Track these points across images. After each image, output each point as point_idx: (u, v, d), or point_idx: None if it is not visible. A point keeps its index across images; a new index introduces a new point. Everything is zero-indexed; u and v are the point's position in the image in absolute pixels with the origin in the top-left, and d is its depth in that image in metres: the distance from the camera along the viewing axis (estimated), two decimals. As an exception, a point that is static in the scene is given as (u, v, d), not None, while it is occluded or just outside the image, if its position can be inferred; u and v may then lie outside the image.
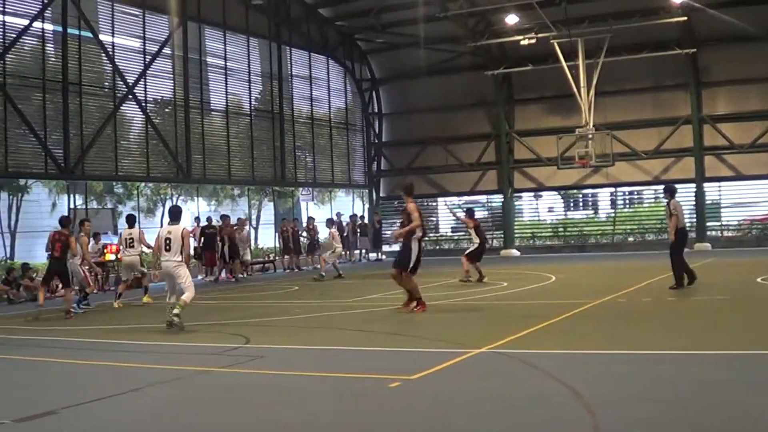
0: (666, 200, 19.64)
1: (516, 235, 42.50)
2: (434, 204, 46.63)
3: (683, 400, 8.49)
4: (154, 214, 36.96)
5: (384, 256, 41.86)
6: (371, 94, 44.88)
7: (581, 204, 46.70)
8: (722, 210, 39.46)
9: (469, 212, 26.47)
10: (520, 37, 35.91)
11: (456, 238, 44.94)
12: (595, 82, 35.39)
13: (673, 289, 18.63)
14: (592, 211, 45.98)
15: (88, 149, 29.75)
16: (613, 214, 42.81)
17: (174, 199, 37.12)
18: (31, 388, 10.57)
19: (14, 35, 27.66)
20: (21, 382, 11.07)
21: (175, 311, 15.06)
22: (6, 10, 27.59)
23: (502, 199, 41.70)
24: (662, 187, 20.58)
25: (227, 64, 36.29)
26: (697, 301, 17.41)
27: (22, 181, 29.81)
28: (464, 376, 10.29)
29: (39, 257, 28.36)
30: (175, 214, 16.51)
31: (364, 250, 42.28)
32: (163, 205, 37.14)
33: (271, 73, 38.54)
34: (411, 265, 16.98)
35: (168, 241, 15.64)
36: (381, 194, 45.52)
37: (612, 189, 42.23)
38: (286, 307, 19.74)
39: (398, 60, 43.18)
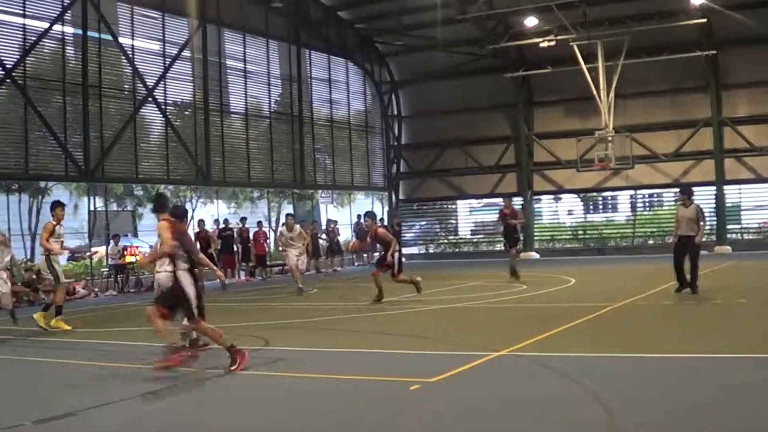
0: (682, 201, 19.11)
1: (535, 238, 42.14)
2: (453, 207, 46.38)
3: (703, 404, 8.37)
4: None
5: (404, 259, 41.38)
6: (390, 96, 44.61)
7: (601, 207, 46.24)
8: (742, 213, 39.05)
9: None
10: (540, 40, 35.59)
11: (475, 240, 44.75)
12: (614, 84, 35.07)
13: (693, 294, 18.32)
14: (611, 214, 45.55)
15: (108, 152, 29.65)
16: (632, 217, 42.38)
17: (194, 201, 36.98)
18: (51, 390, 10.51)
19: (34, 38, 27.66)
20: (41, 384, 11.01)
21: (181, 344, 12.26)
22: (26, 13, 27.55)
23: (522, 202, 41.32)
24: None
25: (247, 66, 36.14)
26: (717, 304, 17.10)
27: (42, 184, 29.74)
28: (484, 379, 10.21)
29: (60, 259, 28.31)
30: (179, 216, 12.45)
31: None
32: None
33: (290, 76, 38.35)
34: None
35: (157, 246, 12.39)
36: (400, 197, 45.19)
37: (632, 191, 41.75)
38: (305, 309, 19.58)
39: (417, 62, 42.85)
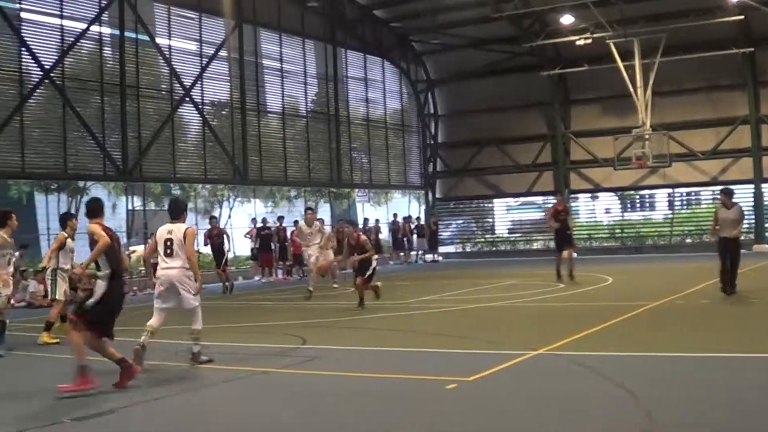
0: (722, 202, 18.60)
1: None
2: (490, 205, 45.97)
3: (741, 404, 8.21)
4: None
5: (440, 258, 41.39)
6: (427, 95, 44.24)
7: (638, 205, 45.66)
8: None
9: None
10: (576, 37, 35.14)
11: (512, 239, 44.36)
12: (651, 82, 34.52)
13: (731, 294, 17.88)
14: (649, 212, 44.96)
15: (146, 151, 29.69)
16: (670, 216, 41.79)
17: (231, 200, 36.89)
18: (93, 387, 10.24)
19: (72, 39, 27.73)
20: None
21: (195, 349, 11.75)
22: (64, 14, 27.65)
23: (560, 200, 40.80)
24: (720, 188, 19.55)
25: (283, 66, 36.04)
26: (756, 303, 16.77)
27: (80, 183, 29.74)
28: (521, 378, 10.13)
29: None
30: (177, 209, 12.33)
31: (420, 252, 41.73)
32: (221, 207, 36.95)
33: (326, 75, 38.18)
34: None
35: (170, 243, 11.69)
36: (437, 195, 44.81)
37: (669, 190, 41.12)
38: (342, 308, 19.45)
39: (454, 61, 42.51)
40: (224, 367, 11.50)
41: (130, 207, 30.23)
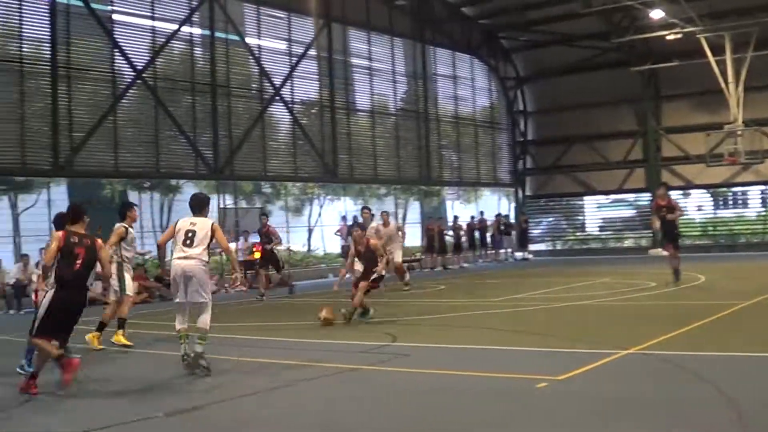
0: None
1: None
2: (581, 203, 44.62)
3: None
4: (301, 213, 36.41)
5: (531, 256, 40.33)
6: (516, 92, 43.04)
7: (731, 202, 43.85)
8: None
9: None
10: (666, 32, 33.55)
11: (603, 237, 43.01)
12: (743, 77, 32.79)
13: None
14: (742, 210, 43.10)
15: (237, 150, 29.38)
16: (763, 213, 39.79)
17: (321, 198, 36.44)
18: (182, 384, 10.39)
19: (163, 40, 27.59)
20: (172, 378, 10.75)
21: (199, 349, 10.87)
22: (155, 15, 27.53)
23: (650, 198, 39.31)
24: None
25: (372, 64, 35.35)
26: None
27: (173, 182, 29.64)
28: (611, 378, 9.75)
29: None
30: (200, 204, 11.58)
31: (509, 250, 40.62)
32: (311, 205, 36.57)
33: (415, 73, 37.35)
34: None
35: (191, 234, 10.98)
36: (527, 193, 43.56)
37: (763, 187, 39.11)
38: (432, 306, 19.00)
39: (543, 57, 41.12)
40: (313, 364, 11.23)
41: (221, 205, 30.05)
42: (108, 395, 9.87)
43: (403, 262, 33.57)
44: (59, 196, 28.99)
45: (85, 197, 29.56)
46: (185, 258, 10.93)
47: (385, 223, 22.76)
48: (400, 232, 23.44)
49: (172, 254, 11.52)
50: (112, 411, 8.88)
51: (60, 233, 10.26)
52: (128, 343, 13.66)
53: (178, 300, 11.13)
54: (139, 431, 8.19)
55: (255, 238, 30.38)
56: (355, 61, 34.85)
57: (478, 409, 8.37)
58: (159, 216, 31.64)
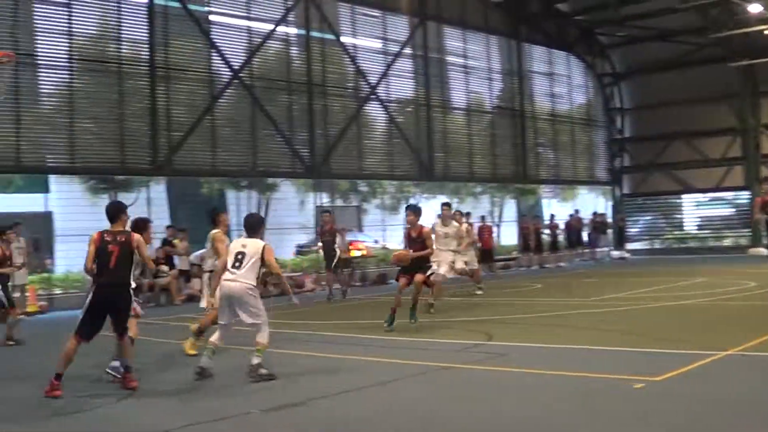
0: None
1: (764, 233, 38.25)
2: (679, 201, 42.93)
3: None
4: (397, 212, 35.83)
5: (628, 255, 38.94)
6: (613, 89, 41.38)
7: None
8: None
9: None
10: (764, 27, 31.71)
11: (702, 236, 41.28)
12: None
13: None
14: None
15: (333, 148, 28.91)
16: None
17: (417, 197, 35.75)
18: (279, 380, 10.12)
19: (260, 39, 27.32)
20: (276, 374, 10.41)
21: (255, 361, 10.28)
22: (251, 15, 27.25)
23: (750, 196, 37.59)
24: None
25: (467, 62, 34.33)
26: None
27: (270, 180, 29.40)
28: (710, 379, 9.33)
29: (286, 253, 27.75)
30: (252, 225, 10.94)
31: (606, 249, 39.20)
32: (406, 203, 35.83)
33: (511, 71, 36.24)
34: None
35: (240, 257, 10.42)
36: (624, 191, 41.90)
37: None
38: (529, 304, 18.61)
39: (639, 53, 39.36)
40: (408, 362, 11.04)
41: (318, 203, 29.73)
42: (204, 391, 9.73)
43: (498, 260, 33.10)
44: (158, 194, 28.99)
45: (183, 196, 29.54)
46: (232, 280, 10.39)
47: (445, 220, 18.84)
48: (467, 233, 20.13)
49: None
50: (209, 407, 8.85)
51: (95, 234, 9.98)
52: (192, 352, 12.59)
53: (222, 322, 10.55)
54: (236, 427, 8.11)
55: (352, 237, 30.04)
56: (450, 59, 33.90)
57: (575, 409, 8.11)
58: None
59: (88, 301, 9.89)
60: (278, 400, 8.91)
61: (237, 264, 10.41)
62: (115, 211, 10.27)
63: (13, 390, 10.35)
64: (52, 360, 9.83)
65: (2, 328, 14.73)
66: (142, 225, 11.08)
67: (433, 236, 15.89)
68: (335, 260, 22.93)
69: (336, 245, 23.02)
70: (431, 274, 14.78)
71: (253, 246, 10.51)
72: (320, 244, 23.40)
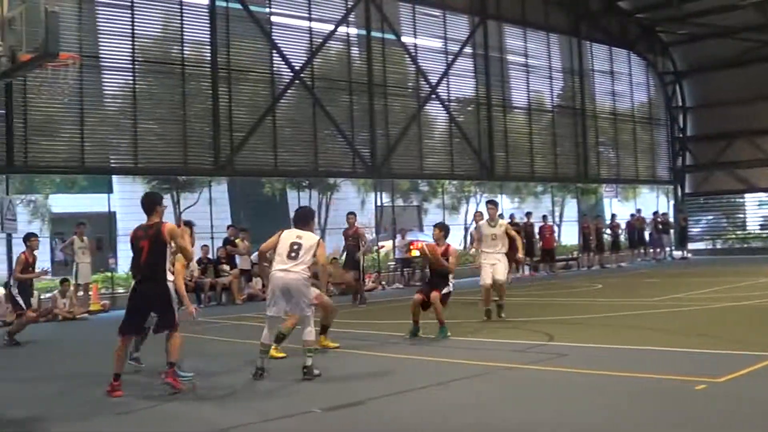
0: None
1: None
2: (741, 200, 41.58)
3: None
4: (458, 212, 35.27)
5: (690, 255, 37.78)
6: (674, 87, 39.97)
7: None
8: None
9: None
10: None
11: (765, 236, 39.94)
12: None
13: None
14: None
15: (394, 148, 28.29)
16: None
17: (478, 196, 35.09)
18: (339, 379, 10.15)
19: (320, 40, 26.82)
20: (329, 374, 10.29)
21: (309, 362, 9.94)
22: (312, 16, 26.77)
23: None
24: None
25: (528, 61, 33.45)
26: None
27: (330, 180, 29.05)
28: None
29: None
30: (305, 218, 10.76)
31: (668, 249, 38.11)
32: (467, 203, 35.32)
33: (572, 69, 35.17)
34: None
35: (296, 248, 10.07)
36: (686, 190, 40.53)
37: None
38: (589, 305, 18.23)
39: (701, 51, 37.92)
40: (469, 362, 10.74)
41: (378, 203, 29.30)
42: (264, 389, 9.56)
43: (559, 260, 32.23)
44: (220, 194, 28.80)
45: (244, 195, 29.32)
46: (286, 271, 10.06)
47: (493, 219, 16.04)
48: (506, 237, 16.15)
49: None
50: (270, 405, 8.75)
51: (131, 231, 9.76)
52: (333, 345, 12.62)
53: (271, 314, 10.20)
54: (297, 426, 7.97)
55: (412, 236, 29.56)
56: (510, 57, 33.03)
57: (637, 410, 7.87)
58: (317, 214, 30.83)
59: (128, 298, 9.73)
60: (338, 400, 8.74)
61: (293, 255, 10.10)
62: (149, 203, 9.74)
63: (71, 389, 10.22)
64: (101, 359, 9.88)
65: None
66: (184, 226, 10.85)
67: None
68: (360, 265, 20.71)
69: (361, 250, 20.72)
70: (448, 293, 13.51)
71: (309, 238, 10.26)
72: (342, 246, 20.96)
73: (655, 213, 37.32)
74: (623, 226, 35.18)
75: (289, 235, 10.27)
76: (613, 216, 35.66)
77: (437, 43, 30.37)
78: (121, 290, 22.92)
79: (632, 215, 36.05)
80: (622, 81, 37.88)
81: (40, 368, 12.27)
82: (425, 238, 31.60)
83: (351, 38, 28.04)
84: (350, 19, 27.74)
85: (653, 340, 12.11)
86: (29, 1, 10.17)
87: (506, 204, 36.23)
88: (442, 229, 14.11)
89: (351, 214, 21.15)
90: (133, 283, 9.75)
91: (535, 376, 9.92)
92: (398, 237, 28.40)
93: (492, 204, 16.79)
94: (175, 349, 9.41)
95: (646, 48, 38.85)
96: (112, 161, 23.44)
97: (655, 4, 36.10)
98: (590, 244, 33.05)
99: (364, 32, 28.05)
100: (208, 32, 24.42)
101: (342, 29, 27.49)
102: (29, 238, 15.67)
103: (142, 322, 9.66)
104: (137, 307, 9.50)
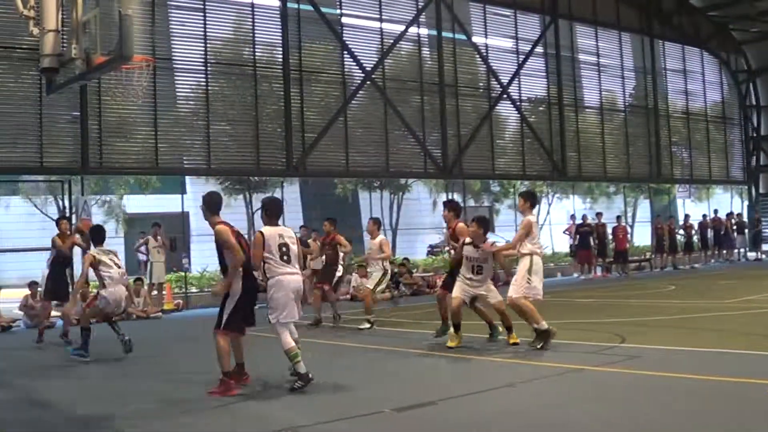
0: None
1: None
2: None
3: None
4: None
5: (764, 256, 36.06)
6: (748, 85, 38.09)
7: None
8: None
9: None
10: None
11: None
12: None
13: None
14: None
15: (465, 149, 27.22)
16: None
17: (549, 196, 33.91)
18: (411, 380, 9.83)
19: (391, 41, 25.98)
20: (400, 374, 10.28)
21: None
22: (383, 17, 25.94)
23: None
24: None
25: (599, 60, 32.04)
26: None
27: (402, 180, 28.30)
28: None
29: (419, 253, 26.41)
30: (279, 210, 9.99)
31: (742, 250, 36.49)
32: (539, 204, 34.04)
33: (644, 68, 33.54)
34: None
35: (285, 249, 9.31)
36: (760, 191, 38.56)
37: None
38: (662, 306, 17.29)
39: (775, 49, 36.74)
40: (541, 364, 10.37)
41: (450, 204, 28.38)
42: (334, 389, 9.26)
43: (631, 261, 30.91)
44: (292, 195, 28.26)
45: (316, 196, 28.75)
46: (293, 274, 9.31)
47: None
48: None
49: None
50: (341, 404, 8.49)
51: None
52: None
53: (290, 319, 9.31)
54: (369, 425, 7.69)
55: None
56: (582, 57, 31.63)
57: (710, 413, 7.53)
58: (389, 215, 30.22)
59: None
60: (409, 400, 8.39)
61: (286, 258, 9.29)
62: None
63: (145, 386, 10.13)
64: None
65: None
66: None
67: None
68: (335, 278, 17.50)
69: (341, 260, 17.86)
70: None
71: (288, 234, 9.51)
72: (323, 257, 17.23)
73: (729, 213, 35.71)
74: (696, 226, 33.69)
75: (272, 234, 9.36)
76: (687, 216, 34.11)
77: (508, 43, 29.21)
78: (194, 290, 22.54)
79: (704, 216, 34.49)
80: (694, 80, 36.15)
81: (112, 366, 11.93)
82: (496, 238, 30.63)
83: (422, 39, 27.12)
84: (421, 19, 26.85)
85: (726, 342, 11.49)
86: (103, 4, 9.92)
87: (578, 205, 35.10)
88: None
89: (327, 221, 17.08)
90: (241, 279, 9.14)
91: (609, 378, 9.37)
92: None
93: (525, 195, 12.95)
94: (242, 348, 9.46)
95: (718, 46, 37.11)
96: (185, 162, 22.88)
97: (728, 1, 34.33)
98: (663, 245, 31.68)
99: (434, 33, 27.10)
100: (280, 34, 23.80)
101: (413, 30, 26.59)
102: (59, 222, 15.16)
103: (251, 317, 9.39)
104: (248, 301, 9.26)
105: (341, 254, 17.16)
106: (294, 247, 9.37)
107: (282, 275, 9.21)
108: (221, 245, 9.05)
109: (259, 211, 12.02)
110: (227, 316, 9.05)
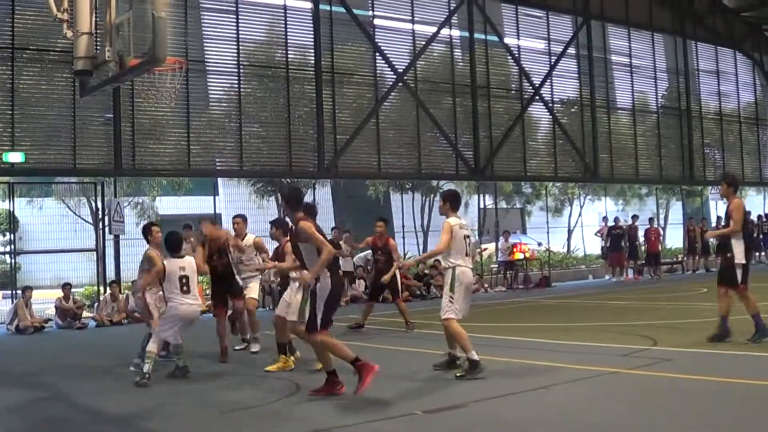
0: None
1: None
2: None
3: None
4: (561, 214, 33.76)
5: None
6: (781, 87, 37.81)
7: None
8: None
9: None
10: None
11: None
12: None
13: None
14: None
15: (497, 150, 26.69)
16: None
17: (581, 198, 33.46)
18: (442, 381, 9.60)
19: (423, 42, 25.52)
20: (432, 375, 9.99)
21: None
22: (415, 19, 25.49)
23: None
24: None
25: (632, 61, 31.33)
26: None
27: (433, 182, 28.00)
28: None
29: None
30: (177, 243, 10.52)
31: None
32: (571, 205, 33.72)
33: (677, 69, 32.75)
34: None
35: (185, 279, 10.12)
36: (793, 192, 38.31)
37: None
38: (694, 309, 16.81)
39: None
40: (573, 366, 10.18)
41: (482, 205, 28.08)
42: (366, 391, 8.79)
43: (663, 263, 30.35)
44: (324, 196, 28.05)
45: (348, 198, 28.51)
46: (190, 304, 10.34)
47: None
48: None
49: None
50: (372, 406, 8.36)
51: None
52: None
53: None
54: (398, 427, 7.63)
55: (515, 239, 28.24)
56: (614, 58, 30.95)
57: (742, 416, 7.36)
58: (420, 217, 29.89)
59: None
60: (440, 402, 8.39)
61: (186, 288, 10.31)
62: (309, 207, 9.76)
63: (180, 387, 10.13)
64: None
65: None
66: None
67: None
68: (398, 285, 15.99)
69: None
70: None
71: (189, 265, 10.37)
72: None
73: (760, 216, 35.01)
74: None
75: (174, 267, 10.16)
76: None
77: (540, 44, 28.63)
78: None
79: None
80: (728, 81, 35.26)
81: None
82: (528, 240, 30.27)
83: (454, 40, 26.65)
84: (453, 21, 26.40)
85: (759, 347, 11.11)
86: (136, 7, 9.90)
87: (610, 206, 34.60)
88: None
89: (380, 221, 16.06)
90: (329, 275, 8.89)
91: (641, 381, 9.24)
92: (501, 239, 27.01)
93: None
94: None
95: (752, 47, 36.38)
96: (217, 164, 22.60)
97: (761, 2, 33.55)
98: (695, 248, 31.07)
99: (466, 34, 26.62)
100: (312, 36, 23.47)
101: (445, 31, 26.14)
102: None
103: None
104: (338, 298, 9.26)
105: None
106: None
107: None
108: (304, 240, 8.77)
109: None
110: (321, 315, 8.82)
